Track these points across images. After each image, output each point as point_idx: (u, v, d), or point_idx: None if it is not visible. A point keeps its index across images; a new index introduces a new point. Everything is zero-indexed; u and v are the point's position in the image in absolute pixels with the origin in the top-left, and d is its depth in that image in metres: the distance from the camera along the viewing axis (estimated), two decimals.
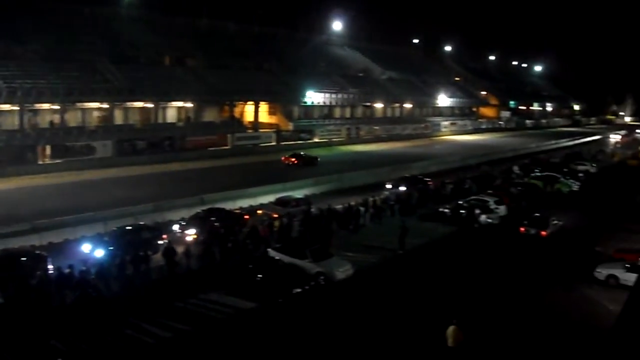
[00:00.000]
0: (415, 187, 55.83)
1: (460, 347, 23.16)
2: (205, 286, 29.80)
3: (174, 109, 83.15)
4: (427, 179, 60.13)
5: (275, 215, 42.21)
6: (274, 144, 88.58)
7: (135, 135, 72.70)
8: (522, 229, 44.93)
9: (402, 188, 55.36)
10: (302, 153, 78.76)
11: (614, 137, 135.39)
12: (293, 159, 75.52)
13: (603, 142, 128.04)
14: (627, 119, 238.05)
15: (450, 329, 23.30)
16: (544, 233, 44.25)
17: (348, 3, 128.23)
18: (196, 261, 33.38)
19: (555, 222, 46.46)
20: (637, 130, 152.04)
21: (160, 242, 35.01)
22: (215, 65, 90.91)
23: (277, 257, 33.20)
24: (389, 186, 56.41)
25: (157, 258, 32.91)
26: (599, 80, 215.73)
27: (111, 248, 32.76)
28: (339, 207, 46.20)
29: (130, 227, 36.30)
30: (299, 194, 51.06)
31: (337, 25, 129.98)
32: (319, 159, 77.60)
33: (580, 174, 73.70)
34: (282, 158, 76.72)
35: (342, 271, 33.06)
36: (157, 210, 42.51)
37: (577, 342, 25.02)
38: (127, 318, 25.39)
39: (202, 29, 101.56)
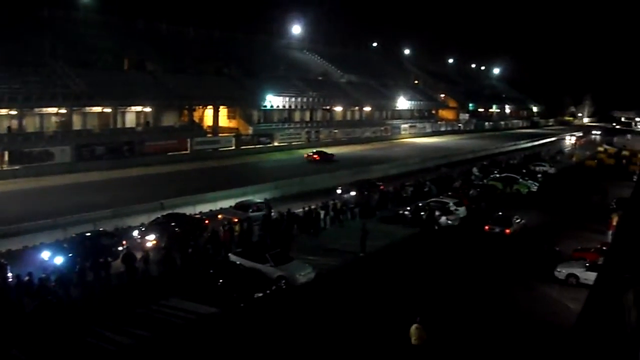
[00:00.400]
0: (365, 191, 55.69)
1: (424, 345, 23.62)
2: (166, 292, 29.78)
3: (133, 114, 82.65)
4: (379, 183, 59.99)
5: (236, 220, 42.17)
6: (233, 148, 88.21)
7: (94, 140, 72.03)
8: (486, 227, 46.37)
9: (353, 193, 55.16)
10: (322, 150, 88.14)
11: (570, 139, 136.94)
12: (315, 156, 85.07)
13: (558, 144, 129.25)
14: (585, 120, 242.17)
15: (414, 327, 23.76)
16: (507, 231, 45.78)
17: (307, 7, 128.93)
18: (156, 267, 33.27)
19: (518, 220, 47.97)
20: (593, 132, 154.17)
21: (120, 248, 34.83)
22: (175, 69, 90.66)
23: (238, 262, 33.27)
24: (339, 191, 55.92)
25: (118, 264, 32.78)
26: (557, 81, 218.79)
27: (70, 255, 32.48)
28: (299, 210, 46.34)
29: (89, 234, 36.10)
30: (259, 198, 51.05)
31: (296, 29, 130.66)
32: (335, 156, 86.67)
33: (539, 175, 75.19)
34: (305, 155, 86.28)
35: (303, 275, 33.26)
36: (116, 216, 42.18)
37: (539, 340, 25.54)
38: (89, 325, 25.33)
39: (161, 33, 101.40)
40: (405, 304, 29.40)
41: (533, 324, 27.95)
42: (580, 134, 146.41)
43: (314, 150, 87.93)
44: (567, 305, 30.48)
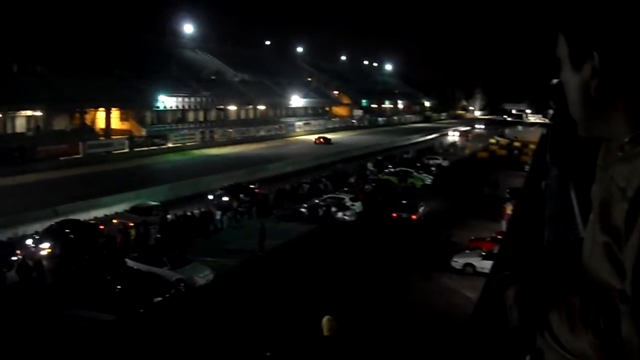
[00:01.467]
0: (239, 196, 53.91)
1: (335, 335, 24.67)
2: (63, 301, 29.63)
3: (23, 119, 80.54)
4: (253, 186, 58.14)
5: (131, 224, 42.21)
6: (127, 150, 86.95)
7: None
8: (394, 214, 49.95)
9: (225, 198, 53.18)
10: (324, 136, 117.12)
11: (452, 135, 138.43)
12: (321, 140, 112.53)
13: (442, 140, 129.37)
14: (477, 113, 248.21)
15: (325, 319, 24.82)
16: (414, 217, 50.00)
17: (199, 5, 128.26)
18: (53, 276, 33.10)
19: (423, 207, 52.46)
20: (477, 125, 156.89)
21: (14, 258, 34.44)
22: (65, 71, 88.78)
23: (135, 267, 33.47)
24: (210, 197, 53.88)
25: (12, 275, 32.44)
26: (448, 75, 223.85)
27: None
28: (195, 211, 46.61)
29: None
30: (154, 200, 50.95)
31: (188, 28, 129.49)
32: (332, 140, 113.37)
33: (433, 168, 77.52)
34: (314, 140, 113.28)
35: (202, 277, 33.80)
36: (9, 225, 41.08)
37: (439, 330, 26.50)
38: None
39: (50, 34, 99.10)
40: (311, 298, 30.34)
41: (433, 315, 29.24)
42: (464, 129, 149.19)
43: (319, 136, 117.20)
44: (465, 295, 31.91)
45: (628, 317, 1.25)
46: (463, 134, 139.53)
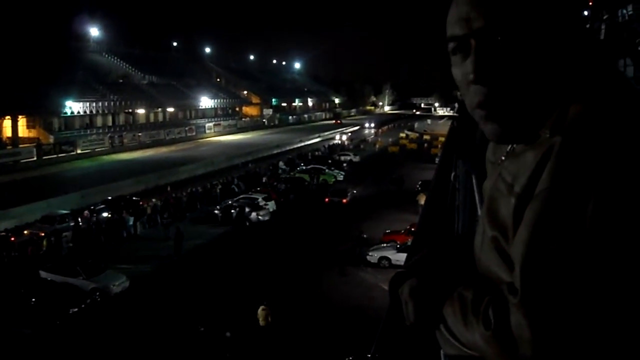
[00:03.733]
0: (120, 209, 50.34)
1: (270, 325, 26.02)
2: None
3: None
4: (136, 198, 55.80)
5: (42, 234, 41.84)
6: (35, 159, 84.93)
7: None
8: (326, 199, 55.35)
9: (105, 214, 49.83)
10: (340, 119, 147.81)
11: (341, 136, 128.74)
12: (337, 121, 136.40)
13: (328, 143, 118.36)
14: (387, 108, 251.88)
15: (260, 309, 26.24)
16: (344, 201, 55.39)
17: (104, 8, 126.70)
18: None
19: (351, 191, 58.35)
20: (366, 124, 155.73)
21: None
22: None
23: (49, 278, 33.28)
24: (86, 213, 49.66)
25: None
26: (356, 72, 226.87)
27: None
28: (108, 217, 46.51)
29: None
30: (65, 209, 50.36)
31: (93, 31, 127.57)
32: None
33: (345, 164, 78.77)
34: (334, 121, 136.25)
35: (118, 284, 33.82)
36: None
37: (358, 324, 26.98)
38: None
39: None
40: (230, 297, 31.20)
41: (351, 309, 30.11)
42: (352, 130, 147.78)
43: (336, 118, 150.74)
44: (383, 288, 32.85)
45: (517, 308, 1.30)
46: (351, 135, 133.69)
